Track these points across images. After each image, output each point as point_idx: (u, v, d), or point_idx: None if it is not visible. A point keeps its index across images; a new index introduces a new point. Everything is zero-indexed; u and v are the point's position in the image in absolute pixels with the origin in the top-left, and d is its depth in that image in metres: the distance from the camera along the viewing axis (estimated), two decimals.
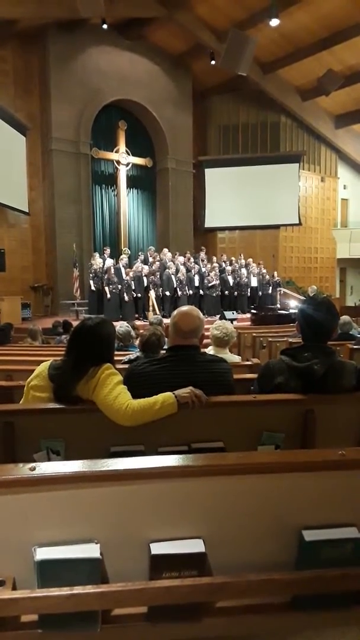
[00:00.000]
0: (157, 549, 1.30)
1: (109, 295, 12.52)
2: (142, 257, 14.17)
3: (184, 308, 2.40)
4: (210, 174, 18.26)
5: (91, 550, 1.28)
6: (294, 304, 13.75)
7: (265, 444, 2.16)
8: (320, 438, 2.18)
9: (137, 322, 10.18)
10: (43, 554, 1.25)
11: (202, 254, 15.71)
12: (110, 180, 16.21)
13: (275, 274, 16.25)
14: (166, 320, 4.15)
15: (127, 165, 16.06)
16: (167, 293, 13.34)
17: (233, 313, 13.32)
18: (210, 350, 4.09)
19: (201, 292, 14.39)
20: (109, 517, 1.33)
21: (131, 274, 13.01)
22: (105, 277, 12.63)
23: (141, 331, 5.04)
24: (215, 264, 15.06)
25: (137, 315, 12.95)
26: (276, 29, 13.12)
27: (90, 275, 12.89)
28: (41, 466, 1.32)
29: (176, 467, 1.36)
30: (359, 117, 18.37)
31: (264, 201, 17.93)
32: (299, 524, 1.38)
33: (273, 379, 2.28)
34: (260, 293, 15.56)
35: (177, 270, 13.76)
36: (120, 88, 15.23)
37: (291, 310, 12.84)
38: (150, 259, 13.97)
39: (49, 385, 2.16)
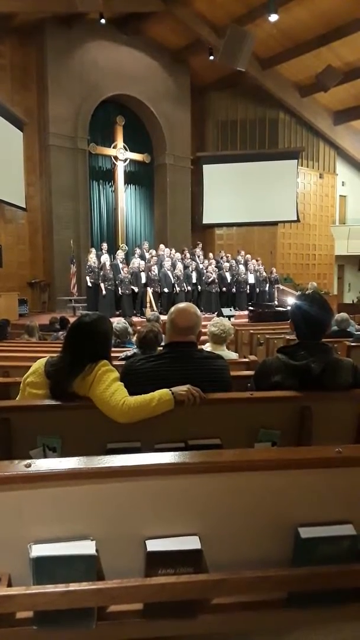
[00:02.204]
0: (153, 545, 1.30)
1: (104, 292, 12.51)
2: (138, 252, 14.16)
3: (181, 305, 2.39)
4: (208, 170, 18.22)
5: (87, 547, 1.27)
6: (291, 301, 13.72)
7: (261, 441, 2.16)
8: (317, 435, 2.19)
9: (135, 319, 10.18)
10: (38, 550, 1.25)
11: (199, 250, 15.69)
12: (108, 176, 16.17)
13: (274, 270, 16.24)
14: (163, 317, 4.14)
15: (125, 161, 16.03)
16: (165, 290, 13.33)
17: (231, 310, 13.31)
18: (207, 347, 4.09)
19: (199, 288, 14.38)
20: (105, 514, 1.33)
21: (125, 269, 12.99)
22: (101, 273, 12.61)
23: (138, 328, 5.03)
24: (212, 260, 15.05)
25: (134, 312, 12.94)
26: (275, 24, 13.07)
27: (87, 271, 12.87)
28: (37, 463, 1.32)
29: (172, 464, 1.36)
30: (357, 113, 18.35)
31: (262, 197, 17.91)
32: (295, 521, 1.38)
33: (270, 378, 2.28)
34: (257, 290, 15.54)
35: (174, 267, 13.74)
36: (118, 83, 15.18)
37: (288, 307, 12.82)
38: (147, 255, 13.95)
39: (45, 382, 2.16)
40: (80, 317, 2.34)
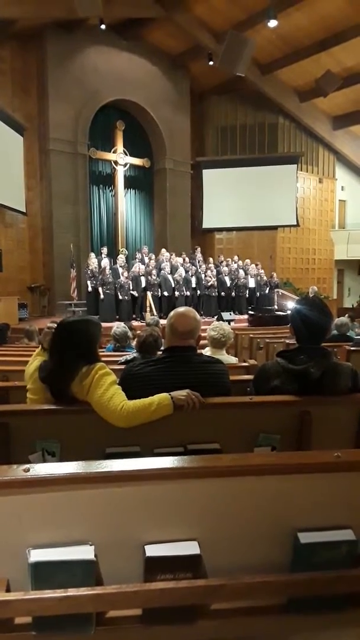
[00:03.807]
0: (152, 551, 1.30)
1: (102, 296, 12.52)
2: (139, 256, 14.18)
3: (181, 309, 2.39)
4: (208, 174, 18.26)
5: (85, 552, 1.27)
6: (291, 305, 13.70)
7: (261, 446, 2.16)
8: (316, 439, 2.18)
9: (134, 323, 10.18)
10: (37, 555, 1.25)
11: (198, 254, 15.70)
12: (108, 180, 16.21)
13: (275, 274, 16.26)
14: (163, 321, 4.14)
15: (125, 165, 16.07)
16: (165, 293, 13.33)
17: (230, 314, 13.31)
18: (207, 352, 4.08)
19: (198, 292, 14.38)
20: (104, 519, 1.32)
21: (126, 273, 13.01)
22: (100, 277, 12.62)
23: (138, 332, 5.03)
24: (211, 264, 15.07)
25: (134, 316, 12.94)
26: (274, 30, 13.14)
27: (88, 275, 12.89)
28: (35, 467, 1.32)
29: (171, 468, 1.35)
30: (356, 118, 18.39)
31: (261, 202, 17.93)
32: (295, 526, 1.37)
33: (269, 382, 2.27)
34: (257, 294, 15.55)
35: (174, 271, 13.75)
36: (118, 88, 15.23)
37: (288, 312, 12.81)
38: (146, 259, 13.98)
39: (41, 387, 2.16)
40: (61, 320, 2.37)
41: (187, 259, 14.86)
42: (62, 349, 2.18)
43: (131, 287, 12.96)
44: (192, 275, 14.26)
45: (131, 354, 4.29)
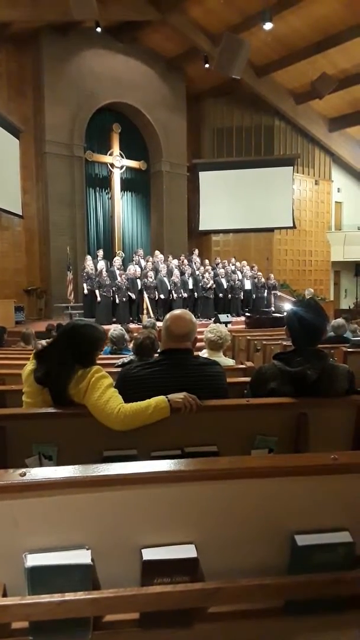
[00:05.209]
0: (149, 554, 1.29)
1: (99, 298, 12.51)
2: (135, 258, 14.18)
3: (176, 311, 2.39)
4: (205, 177, 18.30)
5: (82, 557, 1.26)
6: (288, 307, 13.70)
7: (258, 448, 2.16)
8: (313, 441, 2.18)
9: (131, 325, 10.17)
10: (34, 560, 1.24)
11: (195, 257, 15.72)
12: (105, 183, 16.22)
13: (272, 276, 16.29)
14: (160, 324, 4.15)
15: (121, 168, 16.08)
16: (162, 296, 13.33)
17: (227, 316, 13.32)
18: (204, 354, 4.09)
19: (195, 294, 14.39)
20: (101, 522, 1.32)
21: (123, 276, 13.01)
22: (96, 280, 12.62)
23: (135, 334, 5.02)
24: (209, 267, 15.08)
25: (131, 318, 12.94)
26: (270, 32, 13.19)
27: (84, 278, 12.88)
28: (32, 471, 1.31)
29: (168, 471, 1.35)
30: (352, 120, 18.47)
31: (258, 204, 17.98)
32: (292, 528, 1.37)
33: (266, 385, 2.28)
34: (254, 296, 15.57)
35: (172, 273, 13.76)
36: (114, 91, 15.25)
37: (285, 313, 12.78)
38: (143, 262, 13.97)
39: (37, 390, 2.16)
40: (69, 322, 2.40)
41: (185, 261, 14.87)
42: (62, 348, 2.18)
43: (128, 290, 12.94)
44: (189, 277, 14.27)
45: (128, 357, 4.29)
